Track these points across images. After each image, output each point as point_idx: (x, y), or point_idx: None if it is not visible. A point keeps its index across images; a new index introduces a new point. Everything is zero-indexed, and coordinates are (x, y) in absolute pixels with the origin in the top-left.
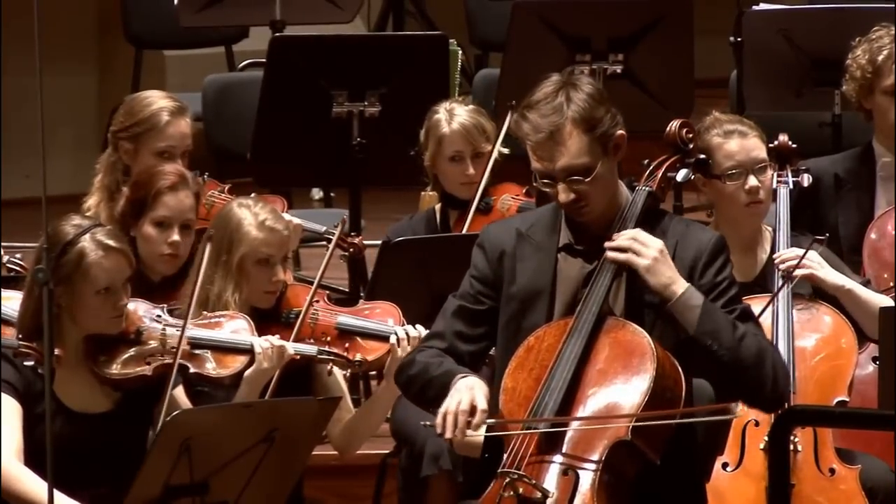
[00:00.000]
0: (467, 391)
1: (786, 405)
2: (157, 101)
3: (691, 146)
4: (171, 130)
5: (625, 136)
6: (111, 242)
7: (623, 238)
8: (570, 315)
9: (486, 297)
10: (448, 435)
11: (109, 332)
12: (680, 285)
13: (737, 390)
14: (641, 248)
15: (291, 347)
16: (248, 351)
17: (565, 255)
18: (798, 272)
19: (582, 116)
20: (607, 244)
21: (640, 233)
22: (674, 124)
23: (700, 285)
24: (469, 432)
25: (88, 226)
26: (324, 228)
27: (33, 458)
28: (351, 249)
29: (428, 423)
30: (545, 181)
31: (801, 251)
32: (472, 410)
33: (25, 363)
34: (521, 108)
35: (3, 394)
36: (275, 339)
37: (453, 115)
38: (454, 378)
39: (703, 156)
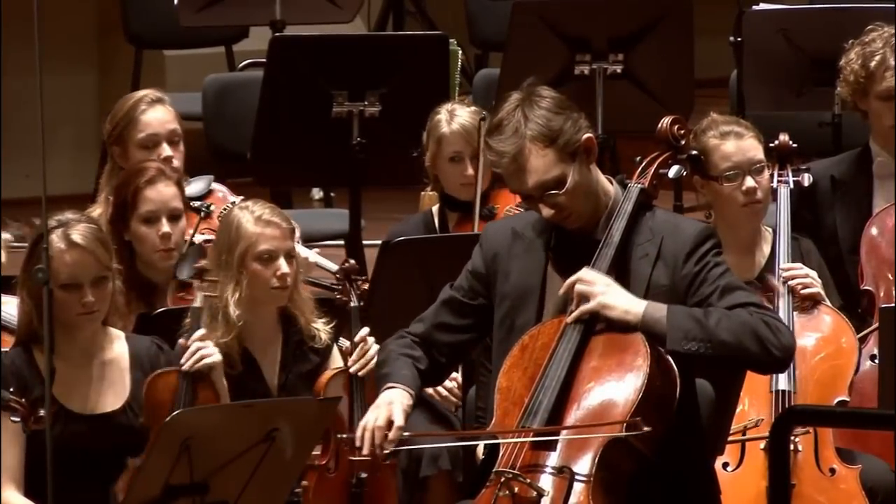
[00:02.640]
0: (386, 406)
1: (786, 388)
2: (134, 96)
3: (683, 142)
4: (148, 118)
5: (592, 139)
6: (77, 238)
7: (564, 287)
8: (564, 314)
9: (478, 293)
10: (365, 451)
11: (79, 329)
12: (638, 305)
13: (740, 367)
14: (585, 289)
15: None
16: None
17: (556, 254)
18: (803, 291)
19: (540, 132)
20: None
21: (580, 277)
22: (665, 121)
23: (682, 276)
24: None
25: (67, 220)
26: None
27: (35, 463)
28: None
29: (344, 435)
30: (526, 200)
31: (808, 269)
32: (389, 426)
33: (13, 419)
34: (485, 136)
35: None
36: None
37: (454, 116)
38: (384, 387)
39: (694, 152)
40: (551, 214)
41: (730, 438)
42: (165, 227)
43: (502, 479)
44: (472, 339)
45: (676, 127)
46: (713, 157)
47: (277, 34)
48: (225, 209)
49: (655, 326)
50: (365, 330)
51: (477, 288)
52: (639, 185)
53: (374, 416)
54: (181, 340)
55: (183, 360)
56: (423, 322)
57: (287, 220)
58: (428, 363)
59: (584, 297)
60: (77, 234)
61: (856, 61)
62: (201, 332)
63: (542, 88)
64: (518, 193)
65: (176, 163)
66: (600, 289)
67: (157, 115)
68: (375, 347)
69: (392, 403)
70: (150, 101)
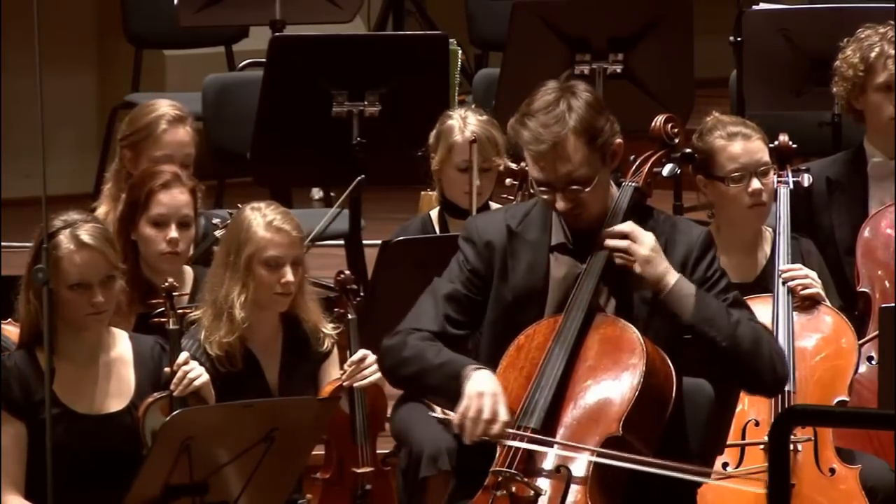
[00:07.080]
0: (490, 397)
1: (786, 388)
2: (158, 108)
3: (676, 141)
4: (168, 139)
5: (622, 145)
6: (86, 239)
7: (622, 227)
8: (560, 313)
9: (478, 289)
10: (467, 441)
11: (87, 329)
12: (672, 275)
13: (737, 378)
14: (640, 236)
15: None
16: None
17: (557, 254)
18: (803, 292)
19: (584, 127)
20: (606, 232)
21: (635, 225)
22: (658, 119)
23: (692, 280)
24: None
25: (73, 220)
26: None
27: (40, 465)
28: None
29: (439, 415)
30: (543, 188)
31: (807, 270)
32: (494, 419)
33: None
34: (521, 116)
35: (2, 420)
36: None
37: (467, 125)
38: (465, 369)
39: (688, 150)
40: (567, 208)
41: (730, 442)
42: (174, 232)
43: (499, 479)
44: (468, 336)
45: (670, 125)
46: (720, 157)
47: (277, 34)
48: None
49: (681, 301)
50: (364, 352)
51: (478, 284)
52: (633, 184)
53: (476, 407)
54: (166, 369)
55: (172, 387)
56: (430, 319)
57: (297, 228)
58: None
59: (636, 241)
60: (86, 234)
61: (853, 56)
62: (185, 355)
63: (580, 82)
64: (539, 180)
65: None
66: (651, 243)
67: (178, 138)
68: (374, 367)
69: (496, 395)
70: (171, 120)
